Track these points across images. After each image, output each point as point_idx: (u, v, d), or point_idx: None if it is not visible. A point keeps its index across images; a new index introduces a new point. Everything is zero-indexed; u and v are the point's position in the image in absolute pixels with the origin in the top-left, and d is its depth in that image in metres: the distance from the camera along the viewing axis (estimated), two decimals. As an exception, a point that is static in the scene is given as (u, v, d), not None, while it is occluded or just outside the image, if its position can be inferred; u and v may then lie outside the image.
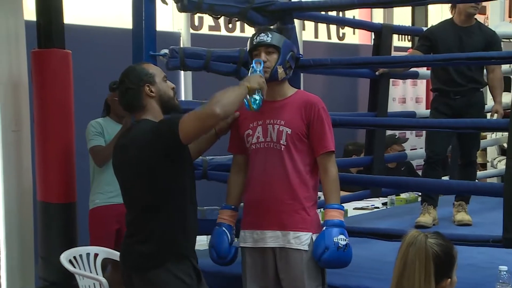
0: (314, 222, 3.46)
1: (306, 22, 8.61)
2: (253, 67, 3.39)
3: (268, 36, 3.46)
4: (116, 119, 5.33)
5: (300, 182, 3.42)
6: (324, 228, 3.36)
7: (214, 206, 4.12)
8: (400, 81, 9.81)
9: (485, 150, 8.48)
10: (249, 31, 8.03)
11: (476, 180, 5.72)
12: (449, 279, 2.40)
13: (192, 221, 3.28)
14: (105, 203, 5.26)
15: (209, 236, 4.75)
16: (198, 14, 7.05)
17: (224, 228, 3.56)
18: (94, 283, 4.70)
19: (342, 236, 3.28)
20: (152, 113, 3.24)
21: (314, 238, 3.39)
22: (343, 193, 6.35)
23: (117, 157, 3.33)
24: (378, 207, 6.50)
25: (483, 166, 8.53)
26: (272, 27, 4.46)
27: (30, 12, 5.70)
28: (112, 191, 5.19)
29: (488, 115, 5.62)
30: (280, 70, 3.44)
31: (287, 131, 3.41)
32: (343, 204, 5.44)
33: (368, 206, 6.44)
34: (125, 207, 3.37)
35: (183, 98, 7.22)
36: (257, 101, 3.32)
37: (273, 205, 3.42)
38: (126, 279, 3.30)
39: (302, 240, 3.36)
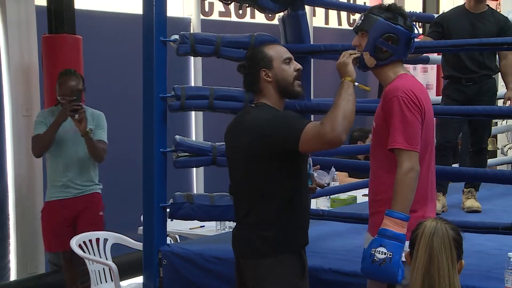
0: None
1: (316, 8, 8.59)
2: None
3: (360, 19, 3.18)
4: None
5: (376, 184, 3.15)
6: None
7: (223, 192, 4.14)
8: (411, 67, 9.76)
9: (495, 137, 8.45)
10: (260, 17, 8.03)
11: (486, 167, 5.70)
12: (462, 261, 2.45)
13: (301, 212, 3.16)
14: (57, 197, 4.97)
15: (218, 223, 4.70)
16: (208, 0, 7.04)
17: None
18: (103, 268, 4.73)
19: (381, 249, 2.79)
20: (269, 98, 3.19)
21: None
22: (351, 180, 6.40)
23: (229, 142, 3.28)
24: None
25: (493, 153, 8.50)
26: (283, 13, 4.45)
27: (40, -3, 5.71)
28: (62, 182, 4.95)
29: (500, 102, 5.59)
30: (367, 57, 3.13)
31: (373, 125, 3.17)
32: (352, 192, 5.52)
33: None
34: (230, 191, 3.34)
35: (193, 84, 7.23)
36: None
37: (368, 206, 3.22)
38: (236, 265, 3.27)
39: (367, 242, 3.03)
